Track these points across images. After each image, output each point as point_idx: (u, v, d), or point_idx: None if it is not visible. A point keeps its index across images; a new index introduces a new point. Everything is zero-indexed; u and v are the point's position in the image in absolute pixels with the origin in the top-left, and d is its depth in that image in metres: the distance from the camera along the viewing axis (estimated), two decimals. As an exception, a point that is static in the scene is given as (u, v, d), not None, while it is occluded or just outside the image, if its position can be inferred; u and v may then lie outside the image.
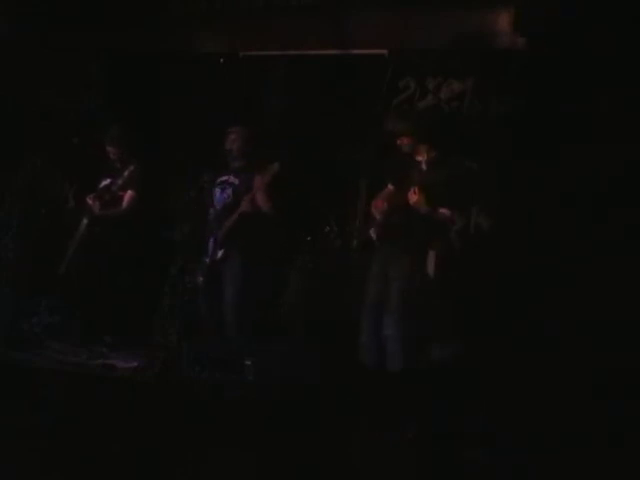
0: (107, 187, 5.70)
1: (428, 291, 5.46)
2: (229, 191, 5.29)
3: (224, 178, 5.33)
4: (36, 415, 3.68)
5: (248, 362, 4.88)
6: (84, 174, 6.27)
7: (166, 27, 6.70)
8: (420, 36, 5.93)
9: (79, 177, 6.36)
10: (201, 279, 5.13)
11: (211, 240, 5.22)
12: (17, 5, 6.56)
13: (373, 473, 3.50)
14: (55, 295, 5.72)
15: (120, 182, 5.62)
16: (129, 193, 5.68)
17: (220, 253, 5.17)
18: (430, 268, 5.64)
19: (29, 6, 6.56)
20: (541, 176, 5.05)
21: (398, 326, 4.53)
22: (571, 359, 4.24)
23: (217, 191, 5.32)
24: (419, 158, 4.71)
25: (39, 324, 5.53)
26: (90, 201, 5.69)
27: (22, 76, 6.45)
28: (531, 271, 4.89)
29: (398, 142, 4.73)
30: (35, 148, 6.27)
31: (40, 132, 6.31)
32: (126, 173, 5.61)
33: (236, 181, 5.27)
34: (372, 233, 4.77)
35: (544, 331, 4.54)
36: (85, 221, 5.73)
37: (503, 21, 5.70)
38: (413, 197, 4.52)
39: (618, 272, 4.52)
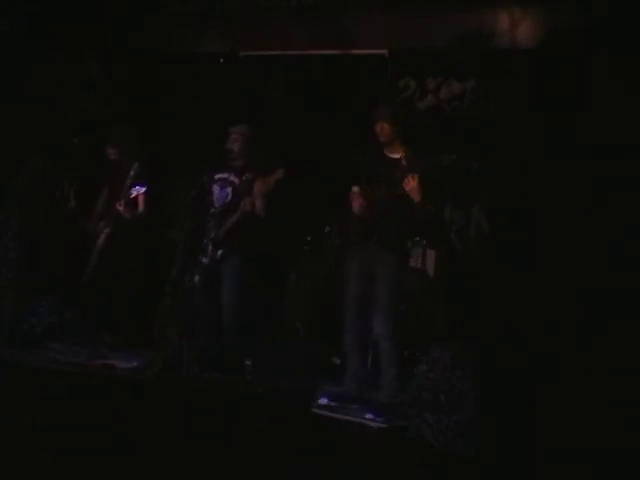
0: (129, 192, 5.61)
1: (430, 290, 5.48)
2: (228, 190, 5.29)
3: (223, 175, 5.33)
4: (36, 415, 3.67)
5: (248, 362, 4.88)
6: (84, 174, 6.28)
7: (166, 27, 6.71)
8: (420, 36, 5.94)
9: (79, 177, 6.37)
10: (201, 279, 5.13)
11: (211, 239, 5.22)
12: (17, 5, 6.57)
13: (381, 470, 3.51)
14: (55, 295, 5.72)
15: (129, 183, 5.59)
16: (141, 195, 5.61)
17: (219, 253, 5.18)
18: (430, 268, 5.66)
19: (29, 6, 6.57)
20: (541, 175, 5.05)
21: (388, 323, 4.51)
22: (573, 359, 4.23)
23: (216, 188, 5.32)
24: (398, 155, 4.65)
25: (39, 324, 5.52)
26: (120, 208, 5.58)
27: (22, 76, 6.45)
28: (531, 271, 4.89)
29: (378, 135, 4.66)
30: (35, 148, 6.27)
31: (40, 132, 6.30)
32: (132, 172, 5.57)
33: (235, 180, 5.27)
34: (356, 231, 4.72)
35: (544, 331, 4.54)
36: (107, 230, 5.69)
37: (503, 21, 5.72)
38: (395, 194, 4.48)
39: (619, 270, 4.51)
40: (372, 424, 4.23)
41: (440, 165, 4.43)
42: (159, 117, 6.51)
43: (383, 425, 4.22)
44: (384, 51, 6.17)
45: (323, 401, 4.52)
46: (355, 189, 4.72)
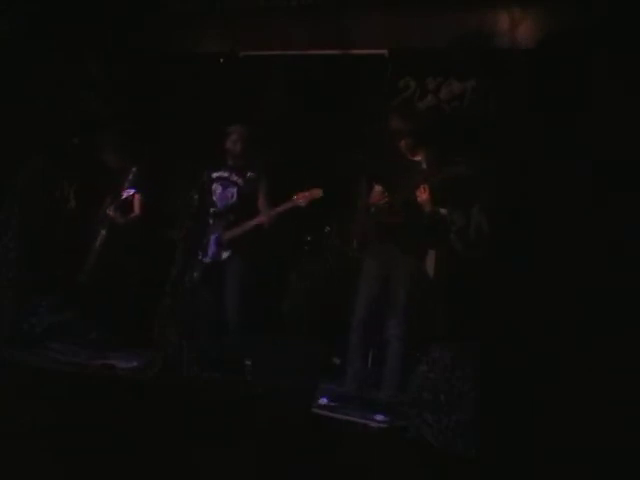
0: (119, 195, 5.68)
1: (430, 290, 5.48)
2: (233, 190, 5.29)
3: (224, 174, 5.33)
4: (36, 415, 3.67)
5: (248, 362, 4.88)
6: (84, 174, 6.27)
7: (166, 27, 6.71)
8: (420, 36, 5.93)
9: (79, 177, 6.37)
10: (201, 279, 5.13)
11: (212, 239, 5.22)
12: (17, 5, 6.57)
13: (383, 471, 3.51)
14: (55, 295, 5.72)
15: (125, 187, 5.62)
16: (137, 198, 5.67)
17: (225, 255, 5.18)
18: (430, 268, 5.66)
19: (29, 6, 6.57)
20: (541, 175, 5.05)
21: (402, 325, 4.52)
22: (573, 359, 4.24)
23: (218, 187, 5.32)
24: (417, 158, 4.71)
25: (39, 324, 5.52)
26: (111, 213, 5.70)
27: (22, 76, 6.45)
28: (531, 271, 4.89)
29: (397, 142, 4.72)
30: (35, 148, 6.27)
31: (40, 132, 6.30)
32: (130, 176, 5.63)
33: (239, 180, 5.27)
34: (371, 233, 4.74)
35: (544, 331, 4.54)
36: (103, 232, 5.75)
37: (503, 21, 5.71)
38: (415, 196, 4.52)
39: (619, 270, 4.51)
40: (372, 424, 4.23)
41: (444, 166, 4.45)
42: (159, 117, 6.50)
43: (383, 425, 4.22)
44: (384, 51, 6.16)
45: (323, 401, 4.53)
46: (378, 188, 4.75)
